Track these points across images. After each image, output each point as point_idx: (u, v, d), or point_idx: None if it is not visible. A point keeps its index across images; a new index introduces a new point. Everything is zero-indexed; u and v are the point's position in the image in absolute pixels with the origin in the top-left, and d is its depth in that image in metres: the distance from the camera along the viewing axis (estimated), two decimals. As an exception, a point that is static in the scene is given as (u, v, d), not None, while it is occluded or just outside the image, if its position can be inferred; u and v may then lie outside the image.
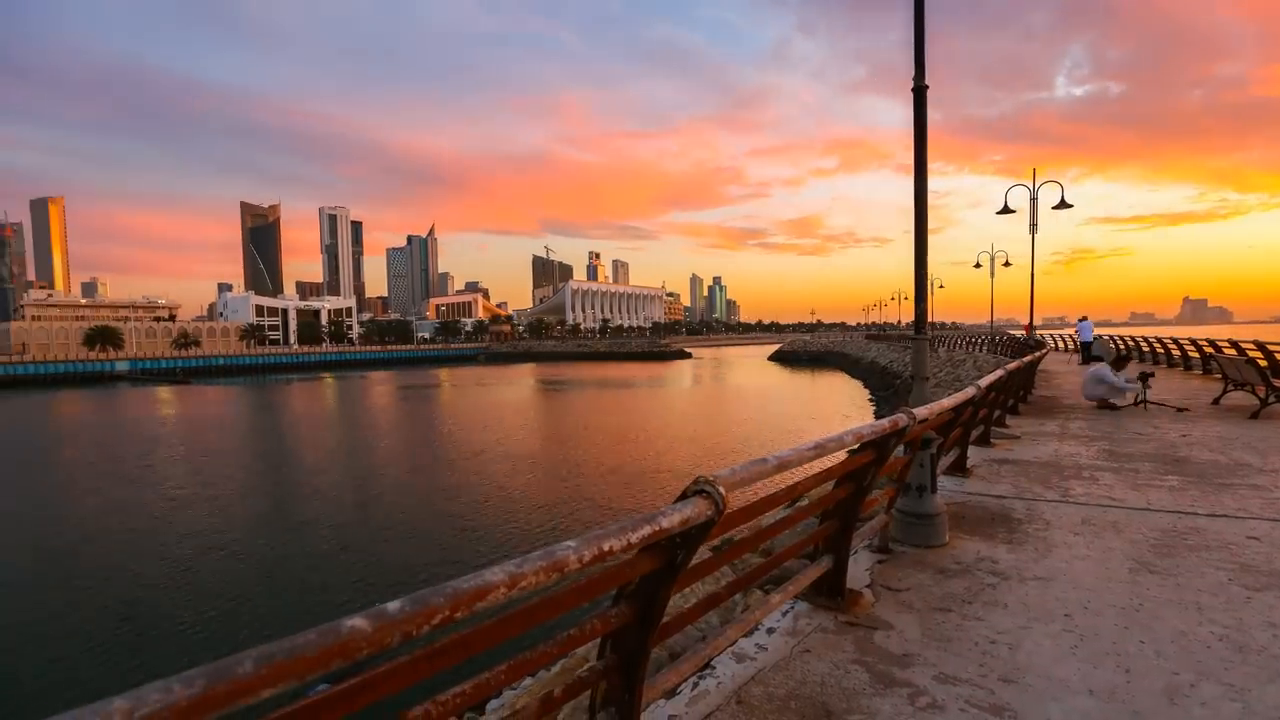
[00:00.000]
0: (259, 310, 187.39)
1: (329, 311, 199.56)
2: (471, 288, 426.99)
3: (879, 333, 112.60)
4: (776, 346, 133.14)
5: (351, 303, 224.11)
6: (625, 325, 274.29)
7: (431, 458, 30.94)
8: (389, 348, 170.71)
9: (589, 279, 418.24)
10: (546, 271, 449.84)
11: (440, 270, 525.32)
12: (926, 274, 6.54)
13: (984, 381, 7.22)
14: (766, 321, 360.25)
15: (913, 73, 6.49)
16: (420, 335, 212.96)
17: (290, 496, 24.02)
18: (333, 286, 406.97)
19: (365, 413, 54.00)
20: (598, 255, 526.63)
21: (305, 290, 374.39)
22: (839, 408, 44.63)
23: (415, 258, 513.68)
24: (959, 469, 8.04)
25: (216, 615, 13.12)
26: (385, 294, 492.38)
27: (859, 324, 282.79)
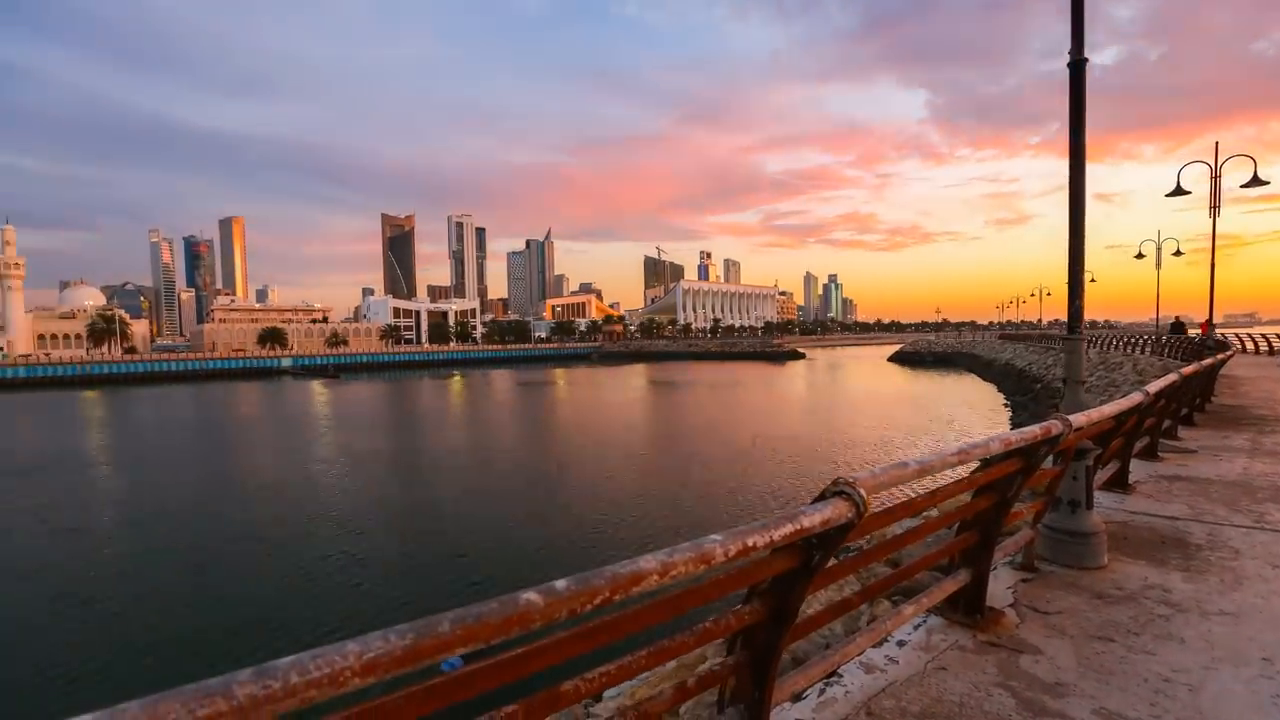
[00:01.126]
0: (396, 312, 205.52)
1: (455, 313, 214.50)
2: (585, 289, 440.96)
3: (1014, 332, 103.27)
4: (896, 347, 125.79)
5: (475, 304, 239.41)
6: (736, 325, 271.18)
7: (568, 451, 32.44)
8: (509, 346, 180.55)
9: (700, 279, 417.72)
10: (658, 272, 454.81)
11: (556, 273, 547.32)
12: (1083, 268, 5.92)
13: (1153, 387, 6.45)
14: (886, 321, 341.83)
15: (1068, 46, 5.90)
16: (537, 335, 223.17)
17: (453, 483, 25.99)
18: (458, 290, 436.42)
19: (498, 407, 57.51)
20: (709, 255, 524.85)
21: (435, 293, 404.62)
22: (969, 412, 41.43)
23: (533, 261, 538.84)
24: (1119, 484, 7.27)
25: (415, 578, 15.12)
26: (505, 296, 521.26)
27: (991, 323, 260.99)
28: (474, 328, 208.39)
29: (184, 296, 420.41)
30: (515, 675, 1.59)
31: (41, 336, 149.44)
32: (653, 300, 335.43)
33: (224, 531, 19.38)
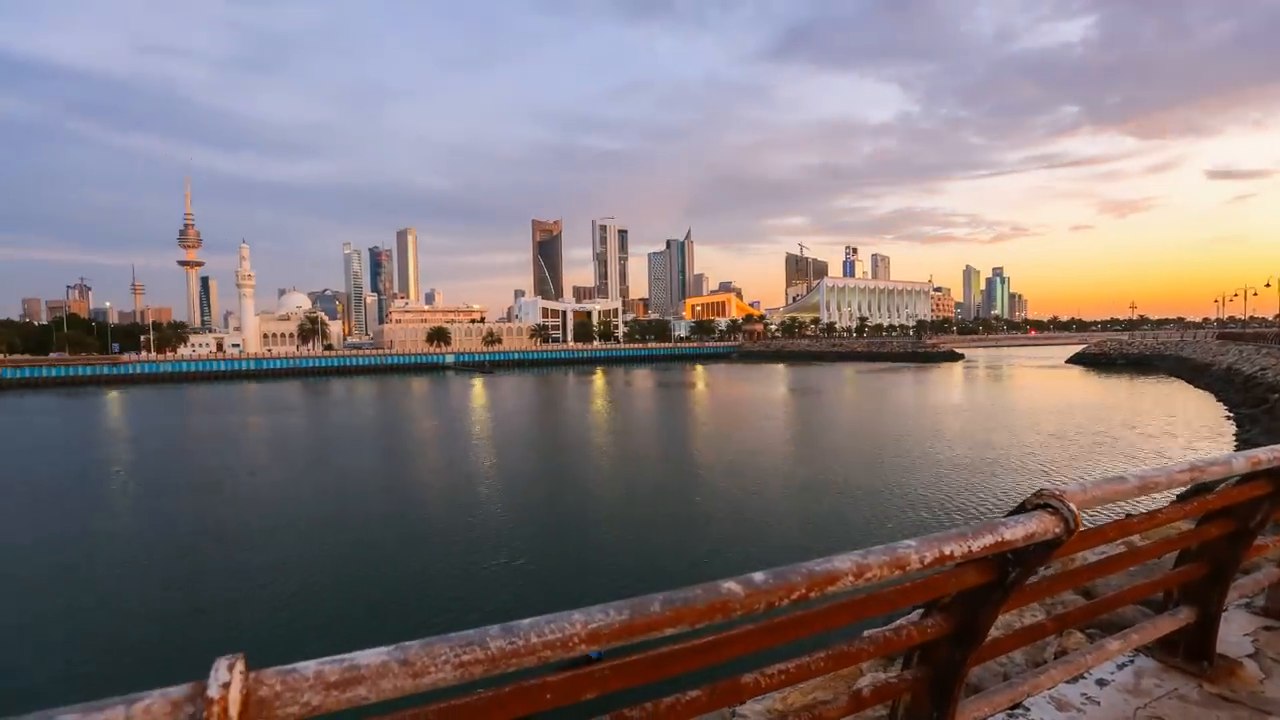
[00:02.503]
0: (544, 312, 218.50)
1: (599, 313, 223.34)
2: (725, 288, 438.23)
3: (1239, 330, 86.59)
4: (1078, 347, 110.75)
5: (618, 304, 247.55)
6: (885, 324, 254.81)
7: (716, 448, 32.44)
8: (649, 345, 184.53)
9: (846, 275, 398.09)
10: (800, 269, 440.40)
11: (696, 272, 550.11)
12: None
13: None
14: (1065, 318, 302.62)
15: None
16: (677, 334, 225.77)
17: (614, 475, 27.27)
18: (601, 290, 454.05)
19: (641, 402, 59.14)
20: (855, 250, 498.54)
21: (580, 294, 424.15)
22: (1183, 426, 35.35)
23: (673, 261, 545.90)
24: None
25: (626, 558, 16.24)
26: (646, 295, 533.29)
27: (1206, 320, 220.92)
28: (616, 327, 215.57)
29: (369, 300, 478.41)
30: (704, 662, 1.63)
31: (266, 335, 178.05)
32: (794, 299, 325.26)
33: (410, 509, 21.76)
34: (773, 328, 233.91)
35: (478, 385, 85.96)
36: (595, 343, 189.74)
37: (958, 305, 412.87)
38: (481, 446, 34.72)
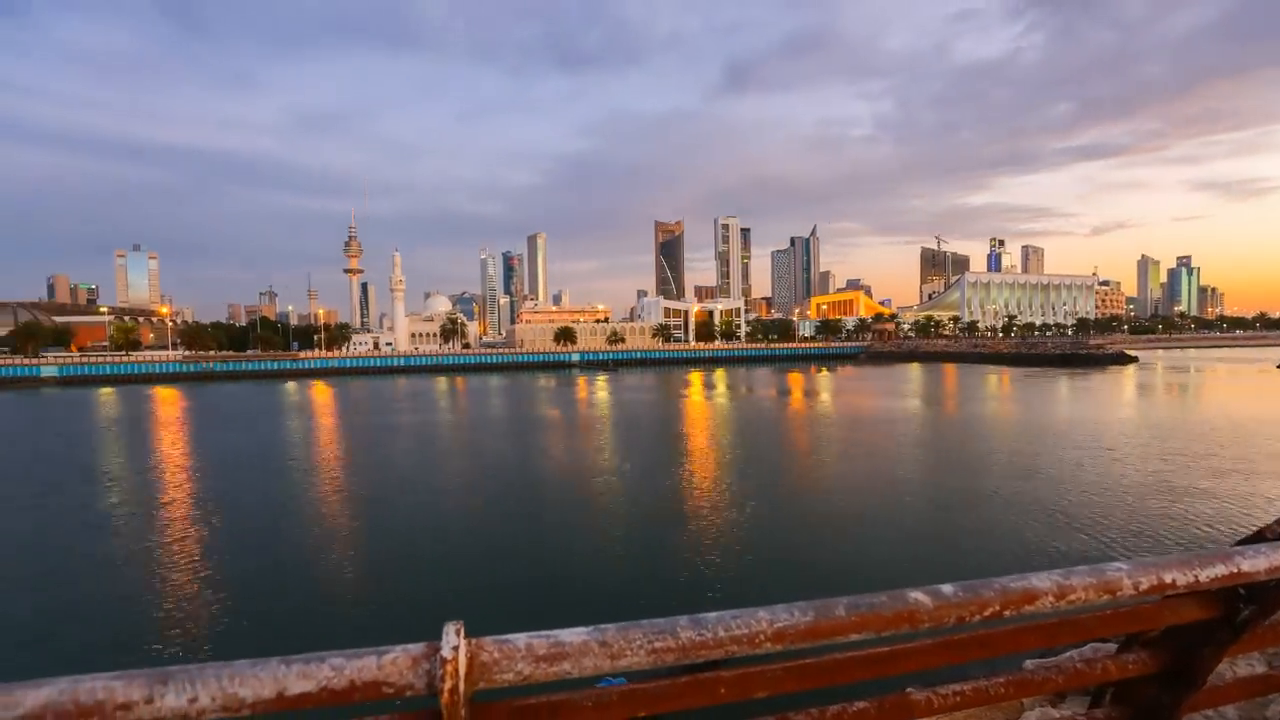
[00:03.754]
0: (666, 312, 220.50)
1: (721, 312, 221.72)
2: (853, 285, 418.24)
3: None
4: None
5: (740, 304, 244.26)
6: (1037, 323, 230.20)
7: (878, 450, 31.28)
8: (772, 345, 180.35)
9: (990, 269, 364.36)
10: (937, 264, 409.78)
11: (821, 269, 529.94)
12: None
13: None
14: (1276, 315, 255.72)
15: None
16: (801, 333, 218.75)
17: (797, 473, 27.36)
18: (723, 289, 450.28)
19: (768, 401, 58.06)
20: (1001, 242, 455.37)
21: (701, 293, 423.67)
22: None
23: (797, 258, 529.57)
24: None
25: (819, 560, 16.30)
26: (769, 294, 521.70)
27: None
28: (738, 326, 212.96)
29: (502, 301, 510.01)
30: (877, 672, 1.58)
31: (413, 335, 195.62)
32: (930, 296, 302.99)
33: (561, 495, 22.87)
34: (905, 327, 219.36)
35: (603, 382, 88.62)
36: (716, 342, 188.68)
37: (1130, 301, 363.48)
38: (638, 442, 35.66)
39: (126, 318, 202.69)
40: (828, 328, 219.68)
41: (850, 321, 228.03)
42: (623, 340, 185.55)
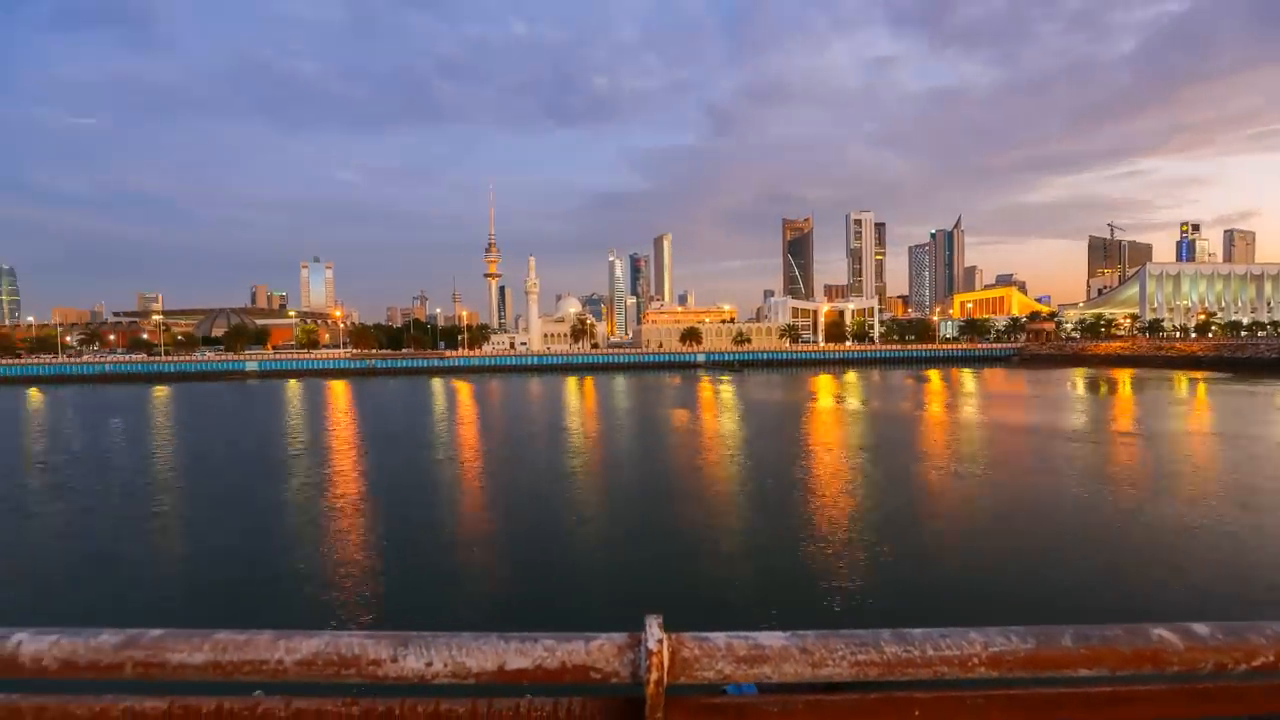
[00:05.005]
0: (794, 312, 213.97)
1: (852, 312, 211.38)
2: (1003, 281, 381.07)
3: None
4: None
5: (874, 303, 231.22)
6: (1245, 321, 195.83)
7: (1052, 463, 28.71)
8: (908, 346, 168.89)
9: (1181, 259, 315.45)
10: (1109, 256, 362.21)
11: (966, 265, 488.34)
12: None
13: None
14: None
15: None
16: (942, 334, 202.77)
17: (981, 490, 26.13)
18: (855, 288, 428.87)
19: (910, 406, 54.53)
20: (1195, 227, 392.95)
21: (831, 292, 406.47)
22: None
23: (938, 253, 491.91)
24: None
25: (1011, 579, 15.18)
26: (906, 293, 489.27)
27: None
28: (871, 326, 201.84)
29: (628, 302, 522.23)
30: (1106, 717, 1.43)
31: (546, 335, 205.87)
32: (1099, 291, 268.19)
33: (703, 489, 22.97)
34: (1068, 326, 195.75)
35: (729, 382, 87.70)
36: (848, 343, 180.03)
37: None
38: (776, 443, 35.08)
39: (308, 320, 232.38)
40: (973, 328, 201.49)
41: (1000, 321, 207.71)
42: (748, 341, 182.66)
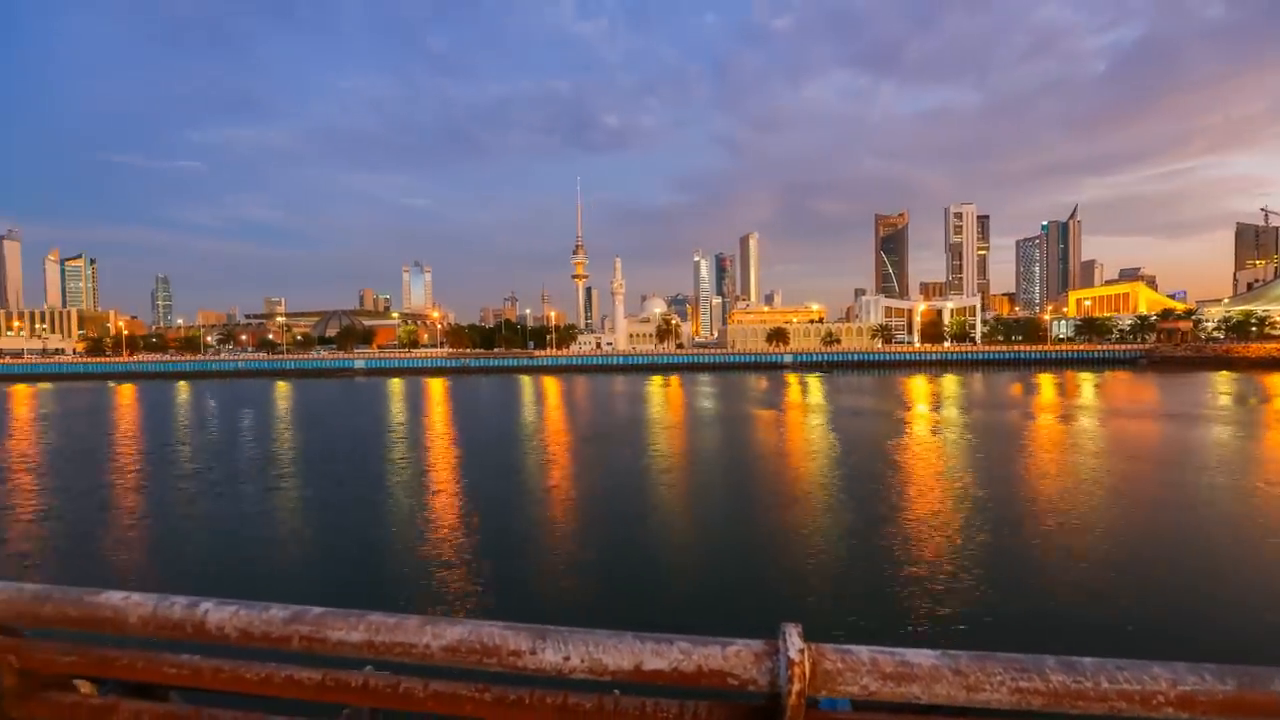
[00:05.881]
0: (887, 311, 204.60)
1: (951, 311, 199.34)
2: (1128, 275, 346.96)
3: None
4: None
5: (975, 301, 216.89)
6: None
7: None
8: (1015, 347, 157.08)
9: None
10: (1261, 245, 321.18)
11: (1084, 258, 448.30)
12: None
13: None
14: None
15: None
16: (1055, 334, 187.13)
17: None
18: (954, 285, 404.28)
19: (1049, 412, 50.89)
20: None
21: (928, 291, 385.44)
22: None
23: (1050, 247, 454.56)
24: None
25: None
26: (1012, 289, 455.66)
27: None
28: (972, 326, 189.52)
29: (714, 302, 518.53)
30: None
31: (631, 335, 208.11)
32: (1249, 286, 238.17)
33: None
34: (1209, 326, 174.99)
35: (819, 383, 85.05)
36: (946, 344, 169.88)
37: None
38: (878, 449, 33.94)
39: (409, 321, 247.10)
40: (1092, 327, 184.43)
41: (1125, 320, 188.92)
42: (838, 341, 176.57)
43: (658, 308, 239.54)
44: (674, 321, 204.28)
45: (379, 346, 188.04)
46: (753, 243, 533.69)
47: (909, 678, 1.20)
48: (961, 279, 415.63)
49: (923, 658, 1.21)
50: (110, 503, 23.67)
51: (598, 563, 16.52)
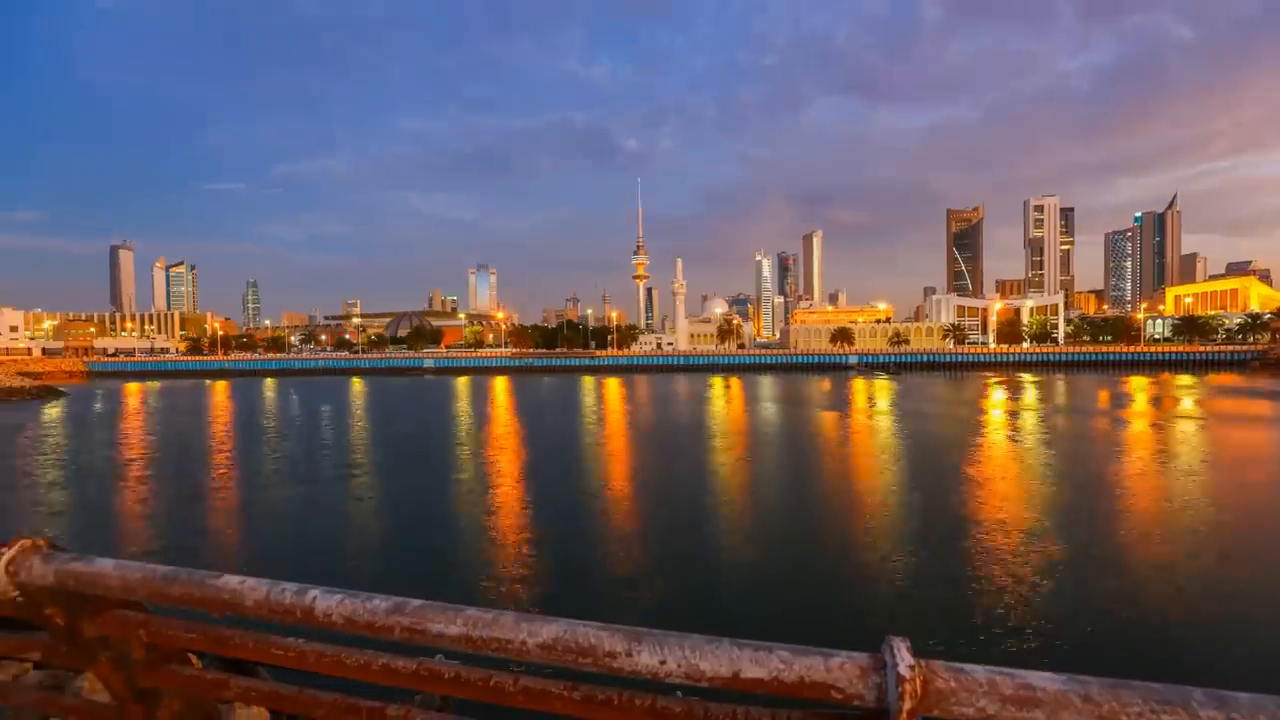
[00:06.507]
0: (959, 311, 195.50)
1: (1030, 309, 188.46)
2: (1236, 270, 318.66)
3: None
4: None
5: (1058, 299, 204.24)
6: None
7: None
8: (1102, 348, 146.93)
9: None
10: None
11: (1184, 251, 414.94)
12: None
13: None
14: None
15: None
16: (1150, 333, 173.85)
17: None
18: (1034, 283, 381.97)
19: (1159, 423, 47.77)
20: None
21: (1004, 288, 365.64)
22: None
23: (1145, 239, 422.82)
24: None
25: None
26: (1100, 286, 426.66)
27: None
28: (1054, 326, 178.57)
29: (776, 301, 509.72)
30: None
31: (692, 336, 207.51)
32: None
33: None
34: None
35: (888, 384, 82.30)
36: (1025, 345, 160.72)
37: None
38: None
39: (475, 321, 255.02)
40: (1193, 327, 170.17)
41: (1233, 318, 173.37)
42: (906, 342, 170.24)
43: (719, 308, 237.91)
44: (735, 321, 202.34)
45: (446, 346, 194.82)
46: (816, 241, 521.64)
47: (1031, 702, 1.10)
48: (1042, 276, 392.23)
49: (1047, 681, 1.11)
50: (213, 491, 25.64)
51: (668, 565, 16.46)
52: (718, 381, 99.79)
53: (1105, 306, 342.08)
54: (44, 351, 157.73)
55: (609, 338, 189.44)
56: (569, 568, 15.90)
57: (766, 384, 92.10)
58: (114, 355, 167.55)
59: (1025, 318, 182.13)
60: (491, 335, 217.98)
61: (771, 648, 1.27)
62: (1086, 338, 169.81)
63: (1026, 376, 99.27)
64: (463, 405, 64.73)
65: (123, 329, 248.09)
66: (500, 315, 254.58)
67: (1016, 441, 35.78)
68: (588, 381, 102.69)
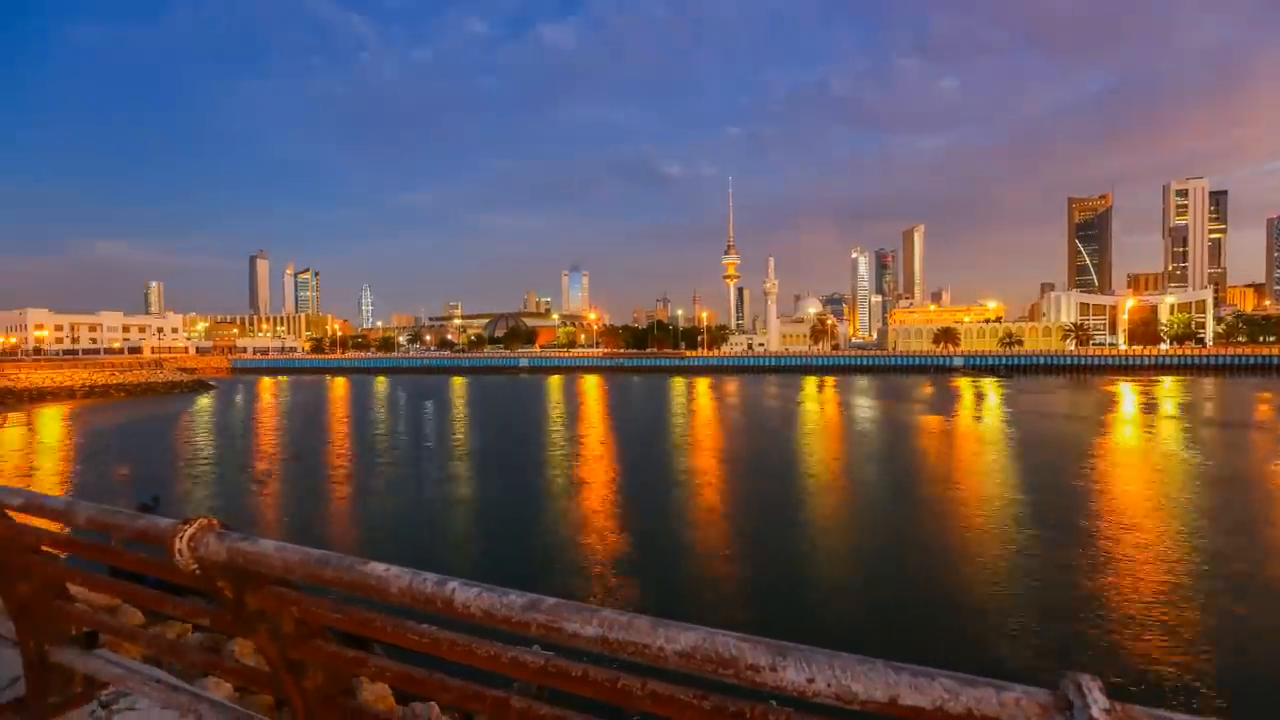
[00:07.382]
0: (1082, 308, 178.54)
1: (1172, 306, 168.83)
2: None
3: None
4: None
5: (1205, 295, 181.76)
6: None
7: None
8: (1261, 350, 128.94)
9: None
10: None
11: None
12: None
13: None
14: None
15: None
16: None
17: None
18: (1175, 276, 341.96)
19: None
20: None
21: (1137, 283, 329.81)
22: None
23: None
24: None
25: None
26: (1260, 280, 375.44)
27: None
28: (1200, 325, 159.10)
29: (873, 301, 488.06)
30: None
31: (784, 336, 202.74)
32: None
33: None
34: None
35: (1000, 389, 76.48)
36: (1163, 346, 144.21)
37: None
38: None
39: (568, 322, 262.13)
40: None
41: None
42: (1019, 342, 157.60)
43: (812, 308, 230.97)
44: (829, 321, 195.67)
45: (540, 346, 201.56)
46: (916, 237, 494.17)
47: None
48: (1185, 269, 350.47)
49: None
50: (337, 479, 27.83)
51: (773, 575, 15.83)
52: (811, 382, 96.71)
53: (1267, 302, 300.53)
54: (197, 350, 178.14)
55: (699, 338, 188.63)
56: (666, 569, 15.76)
57: (863, 387, 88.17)
58: (251, 354, 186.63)
59: (1164, 316, 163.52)
60: (584, 335, 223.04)
61: (932, 674, 1.18)
62: (1243, 338, 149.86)
63: (1169, 380, 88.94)
64: (555, 403, 66.54)
65: (259, 330, 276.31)
66: (592, 316, 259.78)
67: (1162, 450, 32.03)
68: (678, 382, 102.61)
